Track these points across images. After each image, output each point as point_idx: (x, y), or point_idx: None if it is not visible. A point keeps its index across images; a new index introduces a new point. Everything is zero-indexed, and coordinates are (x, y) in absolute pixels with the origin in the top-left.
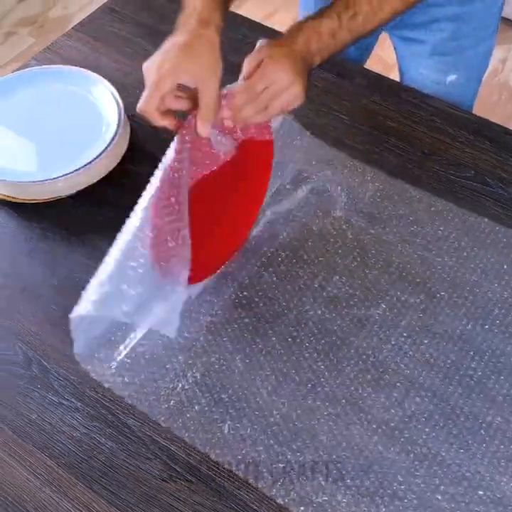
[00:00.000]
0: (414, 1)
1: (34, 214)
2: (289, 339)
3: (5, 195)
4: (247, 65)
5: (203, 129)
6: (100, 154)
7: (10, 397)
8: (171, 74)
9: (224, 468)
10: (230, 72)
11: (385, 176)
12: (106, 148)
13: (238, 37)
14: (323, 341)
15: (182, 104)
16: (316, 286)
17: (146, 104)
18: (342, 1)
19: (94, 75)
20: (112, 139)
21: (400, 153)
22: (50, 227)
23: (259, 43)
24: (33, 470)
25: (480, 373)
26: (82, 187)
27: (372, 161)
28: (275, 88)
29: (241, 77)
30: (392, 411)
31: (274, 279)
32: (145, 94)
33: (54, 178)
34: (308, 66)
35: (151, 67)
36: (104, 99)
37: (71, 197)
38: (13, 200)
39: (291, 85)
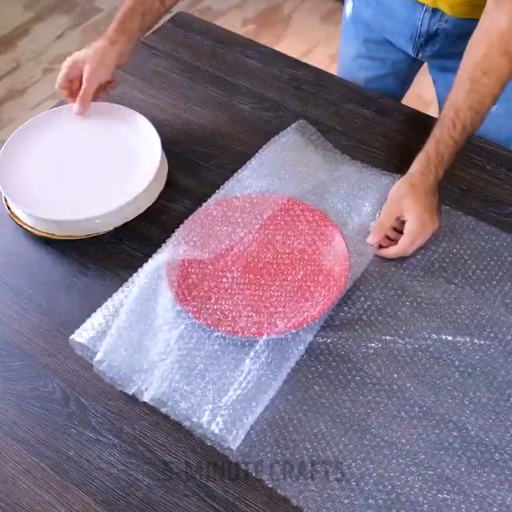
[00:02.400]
0: (504, 82)
1: (72, 250)
2: (319, 368)
3: (43, 231)
4: (386, 216)
5: (79, 109)
6: (138, 193)
7: (48, 433)
8: (73, 67)
9: (260, 506)
10: (268, 107)
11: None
12: (144, 186)
13: (275, 73)
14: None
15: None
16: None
17: (58, 81)
18: (447, 119)
19: (133, 111)
20: (150, 177)
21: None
22: (88, 263)
23: (396, 187)
24: (70, 506)
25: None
26: (120, 224)
27: None
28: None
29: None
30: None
31: None
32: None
33: (92, 216)
34: (437, 195)
35: (71, 56)
36: (142, 136)
37: (108, 233)
38: (52, 236)
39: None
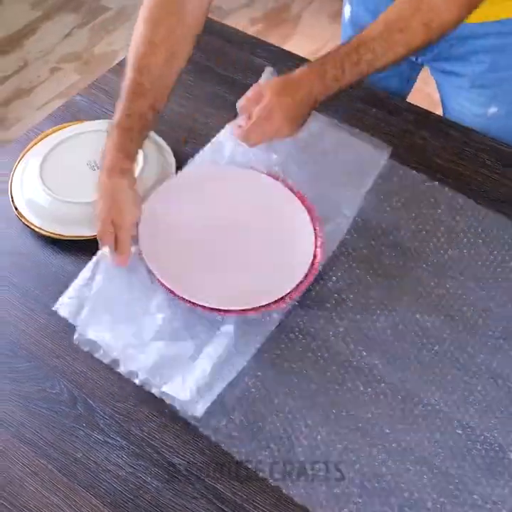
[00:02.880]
0: (417, 47)
1: (79, 250)
2: (328, 373)
3: (50, 232)
4: (250, 92)
5: (121, 261)
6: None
7: (55, 435)
8: (103, 230)
9: (268, 507)
10: None
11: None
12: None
13: (284, 72)
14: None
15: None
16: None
17: (100, 227)
18: (346, 47)
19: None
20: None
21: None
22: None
23: (267, 73)
24: (77, 509)
25: None
26: None
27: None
28: (266, 128)
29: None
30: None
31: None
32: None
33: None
34: (309, 107)
35: (95, 219)
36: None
37: None
38: (60, 237)
39: (281, 130)
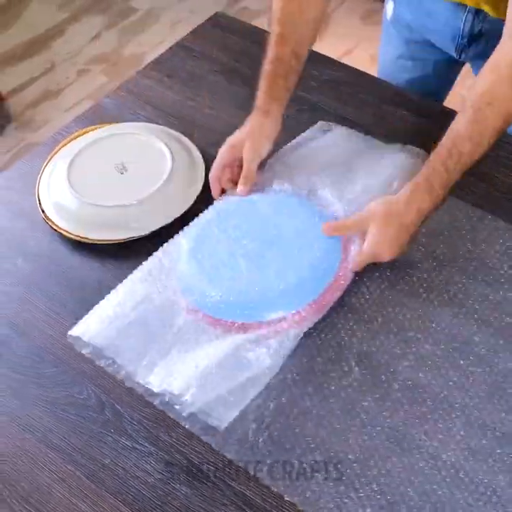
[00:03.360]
0: (508, 116)
1: (106, 254)
2: (346, 368)
3: (77, 235)
4: (347, 228)
5: (243, 190)
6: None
7: (83, 441)
8: (230, 151)
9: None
10: (306, 109)
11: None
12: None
13: (314, 73)
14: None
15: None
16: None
17: (212, 170)
18: (444, 148)
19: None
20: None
21: (481, 194)
22: (122, 267)
23: (373, 204)
24: None
25: None
26: (156, 228)
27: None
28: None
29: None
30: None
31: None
32: (214, 163)
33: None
34: (418, 226)
35: (226, 143)
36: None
37: (143, 237)
38: (85, 240)
39: (384, 257)
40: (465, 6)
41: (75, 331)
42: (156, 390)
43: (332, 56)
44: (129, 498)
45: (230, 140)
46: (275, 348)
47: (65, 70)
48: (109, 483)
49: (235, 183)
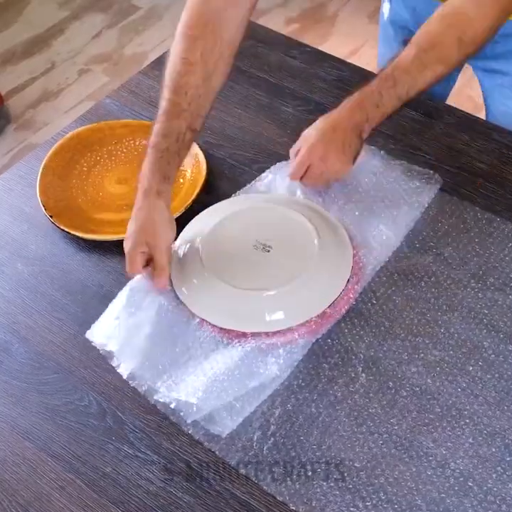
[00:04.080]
0: (455, 62)
1: (109, 258)
2: (352, 374)
3: (79, 234)
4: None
5: (160, 283)
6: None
7: (84, 449)
8: (134, 248)
9: None
10: (313, 109)
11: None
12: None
13: (320, 74)
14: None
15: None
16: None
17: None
18: (381, 73)
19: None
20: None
21: (489, 195)
22: (125, 271)
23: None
24: None
25: None
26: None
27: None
28: (321, 169)
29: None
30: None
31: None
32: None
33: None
34: (356, 137)
35: (127, 238)
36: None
37: None
38: (89, 237)
39: (335, 167)
40: None
41: (89, 335)
42: (161, 398)
43: (338, 55)
44: (130, 507)
45: (133, 234)
46: (283, 357)
47: (65, 70)
48: (111, 492)
49: None
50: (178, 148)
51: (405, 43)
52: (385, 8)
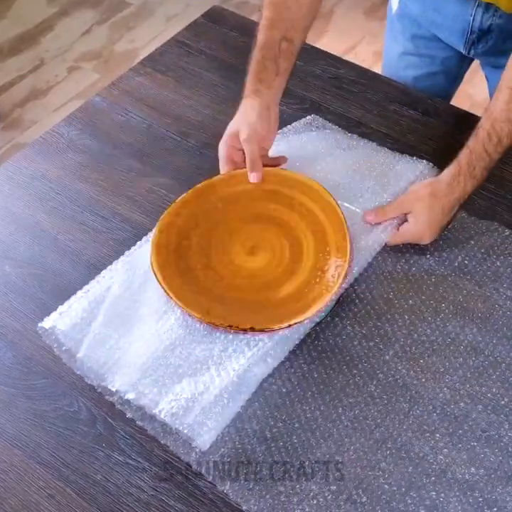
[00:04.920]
0: None
1: (98, 261)
2: (360, 382)
3: None
4: (393, 210)
5: (253, 177)
6: None
7: (73, 456)
8: (230, 142)
9: None
10: (308, 108)
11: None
12: None
13: (316, 71)
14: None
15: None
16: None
17: (221, 170)
18: (483, 130)
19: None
20: None
21: (489, 196)
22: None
23: (417, 186)
24: None
25: None
26: None
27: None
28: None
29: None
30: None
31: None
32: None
33: None
34: (456, 210)
35: (224, 135)
36: None
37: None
38: None
39: (423, 238)
40: (475, 0)
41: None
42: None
43: (334, 53)
44: None
45: (227, 131)
46: (264, 353)
47: (54, 67)
48: (101, 500)
49: None
50: (273, 56)
51: (414, 37)
52: (394, 2)
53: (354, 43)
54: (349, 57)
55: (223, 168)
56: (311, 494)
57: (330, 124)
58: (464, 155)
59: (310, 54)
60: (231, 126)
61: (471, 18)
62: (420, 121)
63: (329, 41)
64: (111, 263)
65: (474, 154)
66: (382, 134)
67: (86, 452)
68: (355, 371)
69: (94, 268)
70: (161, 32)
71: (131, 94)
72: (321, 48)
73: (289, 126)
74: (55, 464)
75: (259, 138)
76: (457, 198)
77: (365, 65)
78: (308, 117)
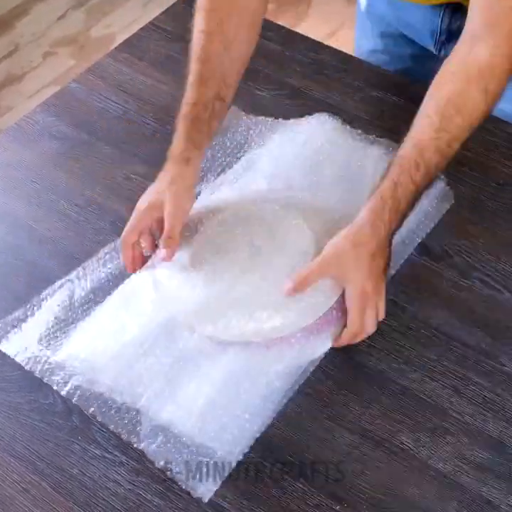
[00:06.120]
0: (480, 120)
1: (76, 254)
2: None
3: None
4: (314, 274)
5: (169, 253)
6: None
7: (48, 450)
8: (148, 211)
9: None
10: (289, 94)
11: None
12: None
13: (296, 56)
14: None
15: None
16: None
17: (124, 235)
18: (410, 160)
19: None
20: None
21: (473, 184)
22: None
23: (335, 241)
24: None
25: None
26: None
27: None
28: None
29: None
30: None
31: None
32: (127, 224)
33: None
34: (388, 247)
35: (140, 201)
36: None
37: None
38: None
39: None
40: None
41: (60, 356)
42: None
43: (315, 37)
44: (98, 509)
45: (145, 198)
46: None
47: (29, 53)
48: (77, 495)
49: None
50: (207, 117)
51: (383, 35)
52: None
53: (335, 28)
54: (330, 43)
55: (129, 234)
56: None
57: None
58: (387, 188)
59: (290, 38)
60: (153, 196)
61: (440, 19)
62: (404, 107)
63: (309, 26)
64: (90, 254)
65: (400, 187)
66: (365, 121)
67: (61, 445)
68: None
69: (72, 258)
70: (139, 17)
71: (108, 81)
72: (301, 33)
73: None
74: (30, 457)
75: (183, 214)
76: (382, 238)
77: (346, 50)
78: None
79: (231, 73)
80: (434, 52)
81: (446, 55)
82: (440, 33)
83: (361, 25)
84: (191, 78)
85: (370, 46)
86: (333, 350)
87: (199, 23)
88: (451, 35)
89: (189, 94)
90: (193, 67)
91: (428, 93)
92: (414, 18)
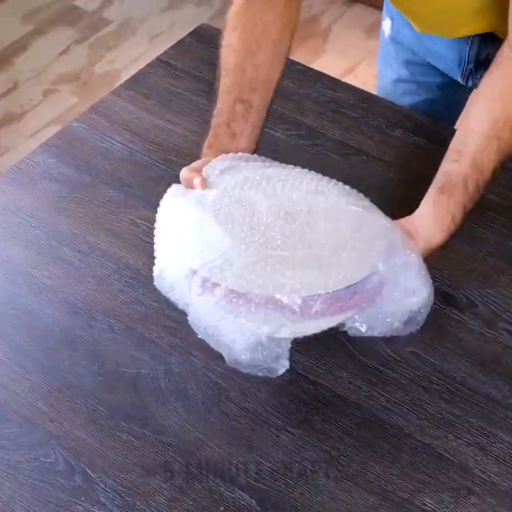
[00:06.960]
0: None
1: (75, 298)
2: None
3: None
4: None
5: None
6: None
7: (49, 511)
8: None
9: None
10: (304, 134)
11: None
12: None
13: (312, 94)
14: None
15: None
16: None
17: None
18: (472, 182)
19: None
20: None
21: (500, 229)
22: (94, 313)
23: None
24: None
25: None
26: None
27: (469, 239)
28: None
29: None
30: None
31: None
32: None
33: None
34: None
35: None
36: None
37: (117, 278)
38: None
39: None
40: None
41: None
42: None
43: (332, 74)
44: None
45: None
46: None
47: (29, 90)
48: None
49: None
50: (227, 120)
51: (408, 64)
52: (386, 26)
53: (353, 64)
54: (348, 80)
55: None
56: None
57: None
58: (459, 212)
59: (305, 76)
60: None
61: (468, 47)
62: (425, 148)
63: (326, 62)
64: (92, 300)
65: (456, 197)
66: (384, 162)
67: (63, 506)
68: None
69: (73, 307)
70: (145, 52)
71: (112, 119)
72: (318, 69)
73: None
74: None
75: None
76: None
77: (365, 87)
78: None
79: (255, 78)
80: (462, 83)
81: (474, 85)
82: (468, 61)
83: (385, 53)
84: (218, 90)
85: (394, 75)
86: (351, 406)
87: (223, 38)
88: (479, 65)
89: (216, 105)
90: (221, 79)
91: (477, 113)
92: (441, 47)
